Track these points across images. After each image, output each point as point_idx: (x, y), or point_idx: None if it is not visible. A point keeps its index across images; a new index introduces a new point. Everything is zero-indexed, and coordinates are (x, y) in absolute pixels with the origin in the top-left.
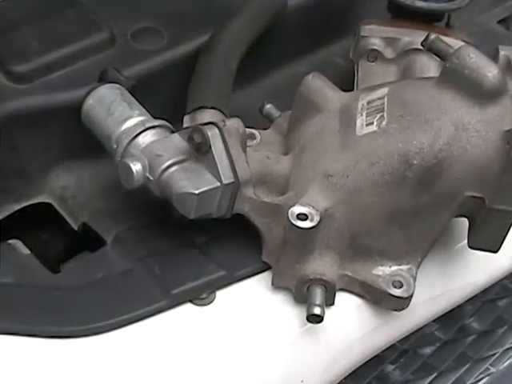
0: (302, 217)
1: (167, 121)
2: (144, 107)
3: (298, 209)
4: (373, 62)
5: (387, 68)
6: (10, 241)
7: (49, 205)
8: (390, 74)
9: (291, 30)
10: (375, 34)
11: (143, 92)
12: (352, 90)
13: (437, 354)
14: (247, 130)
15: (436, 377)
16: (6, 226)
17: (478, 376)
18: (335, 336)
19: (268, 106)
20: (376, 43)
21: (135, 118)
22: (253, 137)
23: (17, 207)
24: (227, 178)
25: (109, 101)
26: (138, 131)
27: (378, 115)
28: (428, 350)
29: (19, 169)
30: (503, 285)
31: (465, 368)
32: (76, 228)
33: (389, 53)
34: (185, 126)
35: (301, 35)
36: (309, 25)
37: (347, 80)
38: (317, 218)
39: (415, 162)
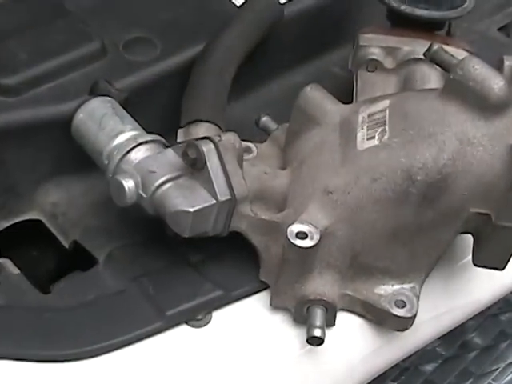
0: (302, 235)
1: (160, 135)
2: (136, 121)
3: (297, 227)
4: (372, 71)
5: (387, 78)
6: None
7: (39, 222)
8: (390, 84)
9: (287, 39)
10: (374, 43)
11: (135, 105)
12: (351, 101)
13: (439, 371)
14: (243, 143)
15: None
16: None
17: None
18: (336, 358)
19: (264, 119)
20: (375, 53)
21: (127, 132)
22: (249, 150)
23: (5, 224)
24: (223, 194)
25: (100, 115)
26: (131, 147)
27: (380, 129)
28: (430, 367)
29: (7, 184)
30: (506, 299)
31: None
32: (67, 246)
33: (389, 62)
34: (179, 140)
35: (297, 45)
36: (305, 34)
37: (345, 90)
38: (317, 237)
39: (419, 178)
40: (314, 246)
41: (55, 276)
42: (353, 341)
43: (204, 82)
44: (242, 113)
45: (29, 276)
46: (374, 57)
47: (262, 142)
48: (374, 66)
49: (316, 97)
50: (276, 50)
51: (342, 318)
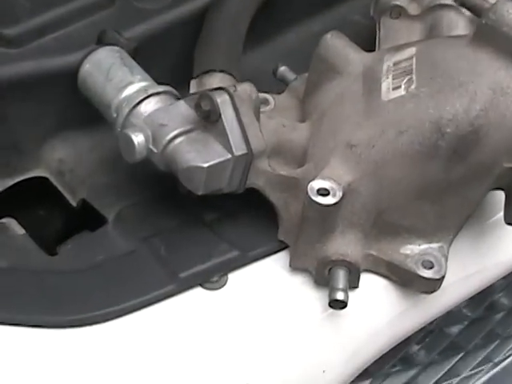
0: (323, 192)
1: (172, 86)
2: (146, 72)
3: (318, 183)
4: (396, 18)
5: (411, 25)
6: (3, 219)
7: (45, 179)
8: (415, 31)
9: None
10: None
11: (145, 55)
12: (373, 50)
13: (465, 333)
14: (260, 94)
15: (463, 356)
16: None
17: (506, 353)
18: (360, 322)
19: (282, 69)
20: None
21: (136, 83)
22: (266, 102)
23: (10, 182)
24: (239, 149)
25: (107, 65)
26: (140, 98)
27: (406, 78)
28: (455, 329)
29: (11, 141)
30: None
31: (493, 346)
32: (74, 205)
33: (413, 9)
34: (191, 91)
35: None
36: None
37: (367, 39)
38: (339, 194)
39: (448, 130)
40: (336, 203)
41: (62, 236)
42: (377, 304)
43: (218, 30)
44: (257, 63)
45: (34, 237)
46: (398, 3)
47: (279, 94)
48: (398, 12)
49: (337, 45)
50: None
51: (366, 279)
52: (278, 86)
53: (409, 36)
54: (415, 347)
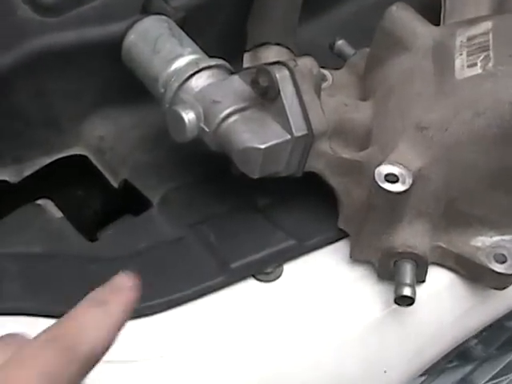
0: (392, 178)
1: (224, 59)
2: (196, 43)
3: (386, 168)
4: None
5: None
6: (39, 201)
7: (84, 158)
8: (484, 3)
9: None
10: None
11: (193, 25)
12: (434, 20)
13: None
14: None
15: None
16: (34, 184)
17: None
18: (424, 319)
19: (340, 42)
20: None
21: (186, 56)
22: (323, 78)
23: (47, 161)
24: (299, 129)
25: (154, 36)
26: (191, 72)
27: (483, 55)
28: None
29: (49, 117)
30: None
31: None
32: (116, 185)
33: None
34: (245, 65)
35: None
36: None
37: (429, 11)
38: (409, 181)
39: None
40: (406, 190)
41: (103, 220)
42: (443, 300)
43: (273, 0)
44: (312, 36)
45: (73, 220)
46: None
47: (337, 69)
48: None
49: (404, 17)
50: None
51: (432, 272)
52: (335, 60)
53: (477, 8)
54: (473, 341)
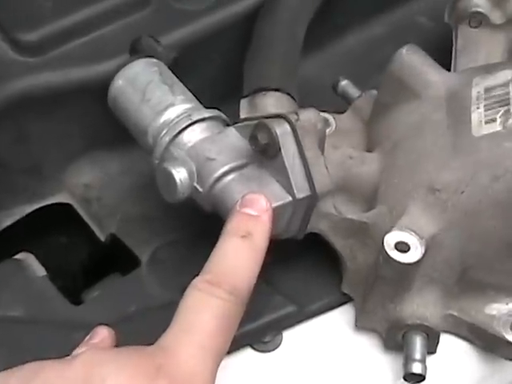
0: (403, 247)
1: (217, 103)
2: (188, 87)
3: (396, 236)
4: (475, 27)
5: (493, 36)
6: (20, 255)
7: (68, 206)
8: (497, 43)
9: None
10: None
11: (185, 65)
12: (442, 57)
13: None
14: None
15: None
16: (14, 235)
17: None
18: None
19: (344, 83)
20: (480, 4)
21: (178, 105)
22: (326, 123)
23: (28, 209)
24: (301, 190)
25: (144, 82)
26: (183, 125)
27: (502, 110)
28: None
29: (31, 162)
30: None
31: None
32: (103, 239)
33: (496, 17)
34: (241, 112)
35: None
36: None
37: (434, 45)
38: (421, 250)
39: None
40: (417, 261)
41: (88, 277)
42: (456, 371)
43: (272, 37)
44: (312, 72)
45: (56, 276)
46: (479, 9)
47: (340, 113)
48: (479, 20)
49: (414, 62)
50: None
51: (444, 342)
52: (336, 98)
53: (490, 49)
54: None
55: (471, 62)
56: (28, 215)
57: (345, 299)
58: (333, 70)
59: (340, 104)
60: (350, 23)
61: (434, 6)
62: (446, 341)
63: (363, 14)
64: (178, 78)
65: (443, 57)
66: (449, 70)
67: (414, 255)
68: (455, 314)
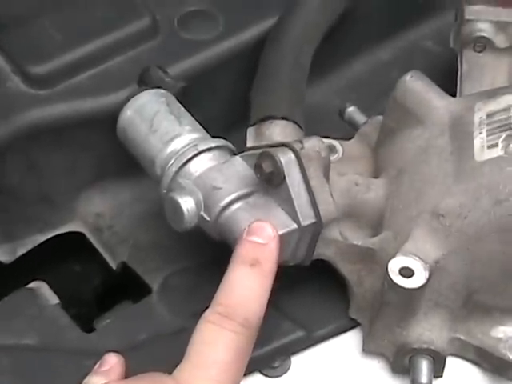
0: (407, 272)
1: (224, 132)
2: (194, 116)
3: (400, 261)
4: (480, 52)
5: (498, 60)
6: (33, 284)
7: (81, 235)
8: (502, 67)
9: (372, 9)
10: (483, 17)
11: (193, 94)
12: (447, 80)
13: None
14: (326, 140)
15: None
16: (27, 264)
17: None
18: None
19: (350, 109)
20: (484, 28)
21: (185, 135)
22: (333, 150)
23: (41, 238)
24: (307, 217)
25: (151, 113)
26: (190, 156)
27: (504, 134)
28: None
29: (42, 193)
30: None
31: None
32: (114, 267)
33: (501, 41)
34: (248, 141)
35: (384, 15)
36: (393, 2)
37: (441, 69)
38: (426, 274)
39: None
40: (421, 286)
41: (100, 304)
42: None
43: (278, 65)
44: (319, 98)
45: (68, 304)
46: (483, 34)
47: (347, 140)
48: (483, 45)
49: (418, 88)
50: (359, 22)
51: (451, 365)
52: (343, 125)
53: (495, 73)
54: None
55: (476, 87)
56: (41, 244)
57: (352, 324)
58: (340, 96)
59: (347, 131)
60: (356, 49)
61: (440, 30)
62: (454, 364)
63: (369, 39)
64: (185, 107)
65: (449, 81)
66: (455, 94)
67: (418, 280)
68: (462, 337)
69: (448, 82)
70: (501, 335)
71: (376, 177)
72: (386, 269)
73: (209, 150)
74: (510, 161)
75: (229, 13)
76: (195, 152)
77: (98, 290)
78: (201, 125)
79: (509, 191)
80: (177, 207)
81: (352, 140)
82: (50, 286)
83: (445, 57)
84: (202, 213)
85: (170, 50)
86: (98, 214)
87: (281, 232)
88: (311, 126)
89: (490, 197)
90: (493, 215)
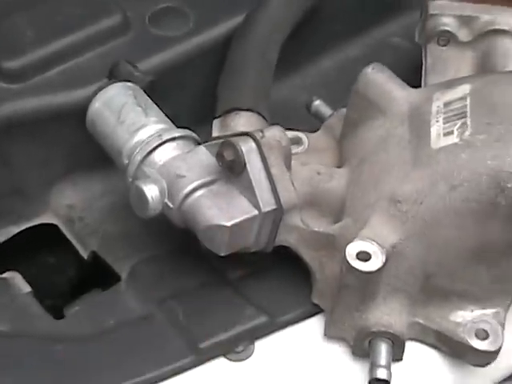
0: (364, 256)
1: (191, 129)
2: (162, 109)
3: (357, 246)
4: (444, 46)
5: (462, 54)
6: (6, 274)
7: (53, 227)
8: (466, 61)
9: (341, 6)
10: (447, 12)
11: (162, 89)
12: (416, 76)
13: None
14: (291, 132)
15: None
16: (1, 255)
17: None
18: None
19: (317, 103)
20: (448, 23)
21: (150, 126)
22: (299, 142)
23: (14, 230)
24: (267, 204)
25: (119, 104)
26: (154, 145)
27: (459, 122)
28: None
29: (15, 185)
30: None
31: None
32: (85, 256)
33: (464, 35)
34: (214, 132)
35: (352, 12)
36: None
37: (409, 64)
38: (382, 258)
39: (509, 186)
40: (378, 269)
41: (70, 292)
42: (423, 377)
43: (245, 61)
44: (287, 94)
45: (40, 293)
46: (447, 28)
47: (313, 132)
48: (447, 39)
49: (379, 80)
50: (327, 19)
51: (411, 349)
52: (311, 119)
53: (458, 66)
54: None
55: (440, 80)
56: (14, 236)
57: (315, 310)
58: (308, 92)
59: (314, 125)
60: (324, 46)
61: (409, 27)
62: (414, 348)
63: (336, 36)
64: (155, 101)
65: (417, 75)
66: (419, 87)
67: (374, 264)
68: (421, 321)
69: (415, 76)
70: (459, 319)
71: (340, 167)
72: (344, 253)
73: (173, 139)
74: (464, 147)
75: (199, 10)
76: (160, 141)
77: (71, 279)
78: (168, 117)
79: (463, 177)
80: (141, 195)
81: (318, 132)
82: (24, 277)
83: (413, 53)
84: (166, 200)
85: (141, 46)
86: (69, 205)
87: (242, 218)
88: (279, 121)
89: (445, 183)
90: (448, 200)
